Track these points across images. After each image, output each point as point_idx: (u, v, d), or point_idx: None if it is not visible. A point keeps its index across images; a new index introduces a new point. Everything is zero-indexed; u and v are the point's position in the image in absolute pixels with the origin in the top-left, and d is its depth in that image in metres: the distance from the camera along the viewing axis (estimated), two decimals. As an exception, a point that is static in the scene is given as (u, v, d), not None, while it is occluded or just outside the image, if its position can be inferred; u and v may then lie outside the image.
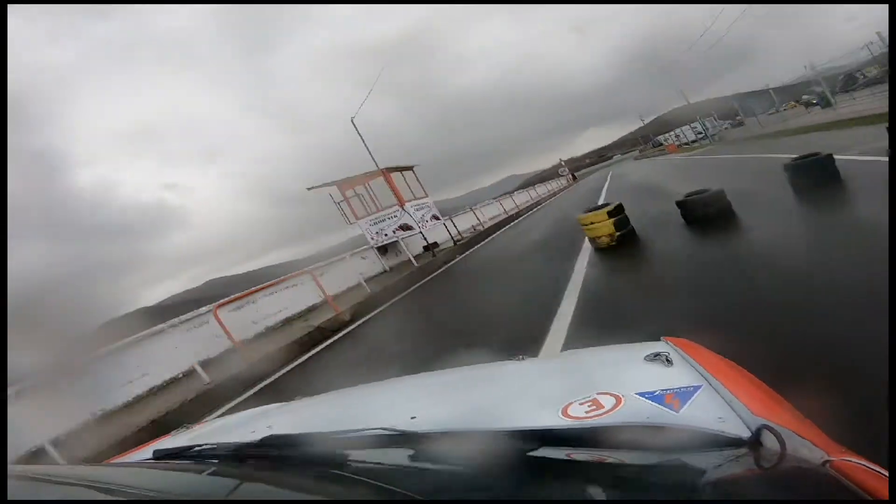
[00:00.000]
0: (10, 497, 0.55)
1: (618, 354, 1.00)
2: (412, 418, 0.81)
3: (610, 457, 0.59)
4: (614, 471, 0.57)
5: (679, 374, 0.77)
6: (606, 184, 22.50)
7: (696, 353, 0.85)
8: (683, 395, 0.70)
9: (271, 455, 0.71)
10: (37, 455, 3.97)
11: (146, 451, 0.94)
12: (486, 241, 13.71)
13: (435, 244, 13.09)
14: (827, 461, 0.51)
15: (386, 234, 11.93)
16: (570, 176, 47.47)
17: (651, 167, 25.81)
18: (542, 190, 35.60)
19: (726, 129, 33.75)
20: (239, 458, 0.74)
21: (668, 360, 0.82)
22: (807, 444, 0.54)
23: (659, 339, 0.94)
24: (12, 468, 0.66)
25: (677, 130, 49.51)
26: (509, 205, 25.49)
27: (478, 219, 19.30)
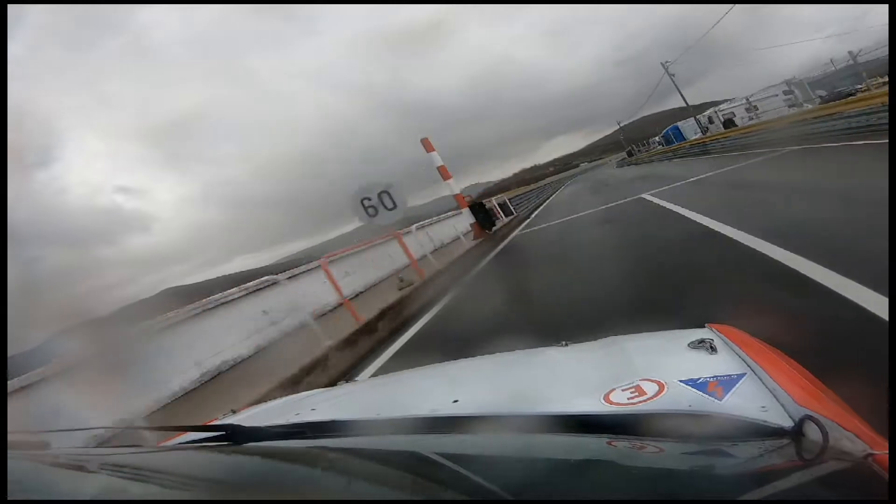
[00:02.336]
0: (64, 475, 0.58)
1: (661, 341, 1.01)
2: (454, 402, 0.84)
3: (651, 444, 0.59)
4: (654, 458, 0.57)
5: (723, 362, 0.77)
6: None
7: (741, 341, 0.85)
8: (727, 383, 0.70)
9: (316, 438, 0.75)
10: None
11: (193, 435, 1.00)
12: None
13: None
14: (869, 455, 0.50)
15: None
16: (478, 225, 11.35)
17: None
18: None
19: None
20: (284, 440, 0.78)
21: (711, 348, 0.82)
22: (850, 437, 0.53)
23: (703, 326, 0.94)
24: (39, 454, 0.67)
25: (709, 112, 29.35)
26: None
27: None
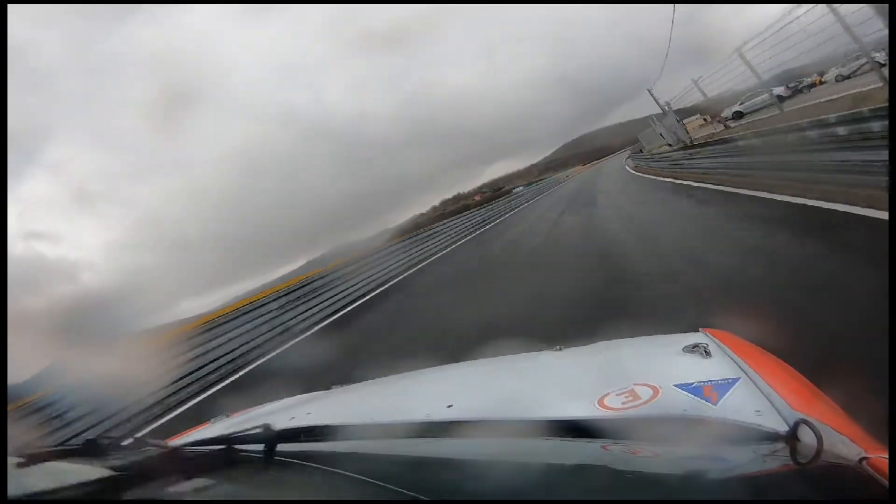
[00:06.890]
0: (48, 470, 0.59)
1: (655, 345, 1.01)
2: (448, 407, 0.84)
3: (645, 449, 0.60)
4: (649, 463, 0.58)
5: (717, 367, 0.77)
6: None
7: (735, 345, 0.85)
8: (721, 387, 0.70)
9: (311, 442, 0.76)
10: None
11: (187, 438, 0.99)
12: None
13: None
14: (864, 458, 0.51)
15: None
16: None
17: None
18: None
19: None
20: (280, 444, 0.78)
21: (706, 352, 0.82)
22: (844, 440, 0.54)
23: (697, 331, 0.94)
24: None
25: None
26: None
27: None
